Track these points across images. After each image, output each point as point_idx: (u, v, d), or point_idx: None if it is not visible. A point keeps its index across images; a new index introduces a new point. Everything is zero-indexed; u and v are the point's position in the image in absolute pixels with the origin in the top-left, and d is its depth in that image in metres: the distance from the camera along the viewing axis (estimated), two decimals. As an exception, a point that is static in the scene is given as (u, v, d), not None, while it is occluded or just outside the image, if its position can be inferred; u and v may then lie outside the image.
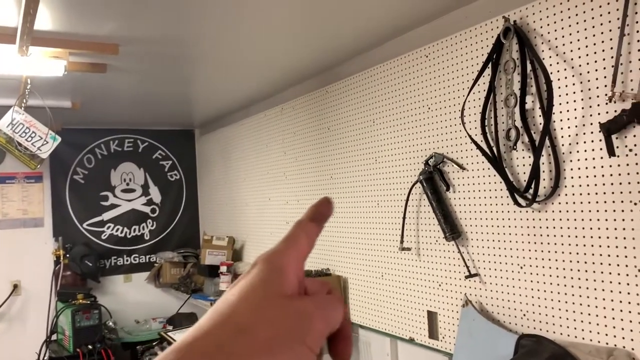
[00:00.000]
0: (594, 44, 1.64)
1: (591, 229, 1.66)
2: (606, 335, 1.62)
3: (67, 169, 4.58)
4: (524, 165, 1.86)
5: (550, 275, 1.79)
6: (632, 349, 1.54)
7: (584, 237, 1.68)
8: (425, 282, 2.34)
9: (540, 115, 1.78)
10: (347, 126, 2.84)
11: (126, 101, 3.79)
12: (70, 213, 4.58)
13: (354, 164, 2.80)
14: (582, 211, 1.69)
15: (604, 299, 1.63)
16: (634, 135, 1.53)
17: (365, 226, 2.73)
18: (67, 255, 4.38)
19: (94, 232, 4.67)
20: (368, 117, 2.68)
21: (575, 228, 1.71)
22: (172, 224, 5.02)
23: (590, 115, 1.65)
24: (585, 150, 1.67)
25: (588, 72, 1.66)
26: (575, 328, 1.71)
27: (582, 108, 1.67)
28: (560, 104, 1.74)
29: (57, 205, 4.54)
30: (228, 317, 0.35)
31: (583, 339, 1.68)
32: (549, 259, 1.79)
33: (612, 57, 1.57)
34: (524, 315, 1.88)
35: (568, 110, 1.72)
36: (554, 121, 1.76)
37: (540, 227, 1.82)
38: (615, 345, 1.59)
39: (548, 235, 1.80)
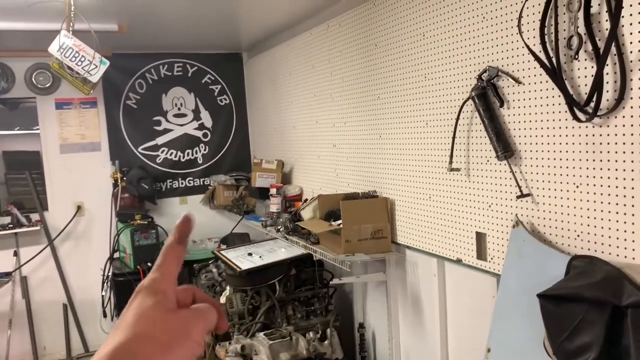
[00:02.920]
0: None
1: (658, 144, 1.52)
2: (667, 256, 1.52)
3: (119, 94, 4.66)
4: (585, 76, 1.71)
5: (609, 195, 1.68)
6: (695, 271, 1.45)
7: (649, 153, 1.55)
8: (474, 202, 2.26)
9: (607, 20, 1.61)
10: (395, 42, 2.70)
11: (172, 23, 3.74)
12: (125, 137, 4.70)
13: (402, 82, 2.69)
14: (648, 125, 1.54)
15: (667, 219, 1.52)
16: None
17: (413, 147, 2.65)
18: (124, 178, 4.55)
19: (149, 156, 4.80)
20: (417, 31, 2.52)
21: (640, 144, 1.57)
22: (223, 147, 5.08)
23: (666, 17, 1.47)
24: (657, 57, 1.51)
25: (666, -34, 1.46)
26: (633, 249, 1.62)
27: (657, 9, 1.49)
28: (631, 5, 1.56)
29: (112, 130, 4.66)
30: (134, 332, 0.47)
31: (641, 260, 1.59)
32: (608, 177, 1.67)
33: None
34: (578, 236, 1.80)
35: (639, 13, 1.54)
36: (622, 25, 1.58)
37: (601, 144, 1.69)
38: (676, 267, 1.49)
39: (609, 152, 1.67)
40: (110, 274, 4.27)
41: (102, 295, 4.34)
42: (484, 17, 2.11)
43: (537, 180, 1.94)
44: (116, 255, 4.49)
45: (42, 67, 4.33)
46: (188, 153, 4.95)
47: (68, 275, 4.61)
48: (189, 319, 0.51)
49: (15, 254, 4.41)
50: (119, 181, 4.55)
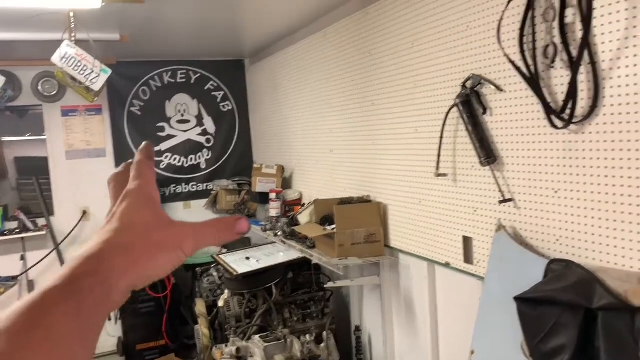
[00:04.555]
0: (643, -55, 1.47)
1: (629, 150, 1.56)
2: (639, 260, 1.55)
3: (124, 101, 4.76)
4: (562, 84, 1.75)
5: (585, 200, 1.72)
6: (665, 275, 1.48)
7: (621, 159, 1.59)
8: (461, 207, 2.31)
9: (580, 30, 1.65)
10: (387, 50, 2.75)
11: (174, 32, 3.82)
12: (130, 143, 4.79)
13: (393, 89, 2.74)
14: (620, 132, 1.58)
15: (638, 224, 1.55)
16: (680, 47, 1.39)
17: (404, 153, 2.70)
18: (129, 184, 4.62)
19: (153, 162, 4.87)
20: (407, 39, 2.58)
21: (613, 150, 1.61)
22: (226, 153, 5.15)
23: (635, 27, 1.51)
24: (627, 66, 1.55)
25: (634, -23, 1.50)
26: (607, 253, 1.65)
27: (626, 19, 1.53)
28: (602, 15, 1.60)
29: (117, 136, 4.76)
30: (125, 229, 0.47)
31: (615, 264, 1.62)
32: (584, 183, 1.71)
33: (660, -41, 1.41)
34: (557, 240, 1.83)
35: (610, 22, 1.58)
36: (595, 35, 1.62)
37: (577, 150, 1.73)
38: (647, 271, 1.53)
39: (584, 158, 1.71)
40: (114, 277, 4.35)
41: (107, 299, 4.42)
42: (467, 26, 2.15)
43: (519, 186, 1.98)
44: (120, 259, 4.56)
45: (48, 76, 4.44)
46: (191, 158, 5.03)
47: (74, 279, 4.69)
48: (185, 231, 0.49)
49: (22, 258, 4.51)
50: (124, 186, 4.62)
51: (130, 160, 0.56)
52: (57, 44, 3.30)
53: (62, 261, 4.64)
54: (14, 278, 3.93)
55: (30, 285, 4.55)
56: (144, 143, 0.57)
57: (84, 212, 4.70)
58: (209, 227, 0.51)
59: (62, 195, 4.65)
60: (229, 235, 0.52)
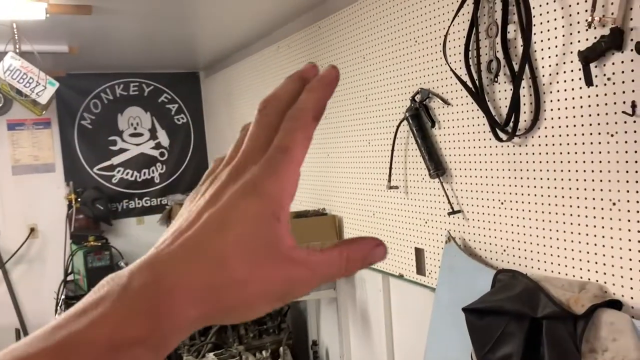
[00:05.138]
0: (577, -35, 1.53)
1: (569, 162, 1.61)
2: (580, 269, 1.60)
3: (74, 114, 4.63)
4: (505, 98, 1.80)
5: (530, 211, 1.76)
6: (605, 282, 1.52)
7: (561, 171, 1.64)
8: (412, 219, 2.33)
9: (522, 45, 1.70)
10: (340, 63, 2.77)
11: (124, 44, 3.75)
12: (80, 158, 4.65)
13: (346, 102, 2.75)
14: (560, 144, 1.63)
15: (579, 234, 1.60)
16: (613, 63, 1.45)
17: (358, 165, 2.71)
18: (79, 200, 4.50)
19: (105, 176, 4.76)
20: (359, 53, 2.60)
21: (554, 162, 1.66)
22: (181, 167, 5.07)
23: (571, 43, 1.57)
24: (565, 81, 1.60)
25: (570, -4, 1.56)
26: (551, 263, 1.69)
27: (563, 36, 1.59)
28: (541, 32, 1.65)
29: (66, 151, 4.62)
30: (234, 260, 0.32)
31: (559, 273, 1.66)
32: (528, 194, 1.76)
33: (593, -21, 1.47)
34: (504, 250, 1.87)
35: (549, 39, 1.63)
36: (535, 50, 1.67)
37: (520, 162, 1.77)
38: (588, 279, 1.57)
39: (527, 170, 1.75)
40: (63, 296, 4.20)
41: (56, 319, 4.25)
42: (415, 41, 2.19)
43: (467, 197, 2.01)
44: (70, 277, 4.41)
45: (-8, 88, 4.28)
46: (145, 172, 4.92)
47: (21, 299, 4.51)
48: (310, 266, 0.34)
49: (-35, 278, 4.31)
50: (74, 202, 4.49)
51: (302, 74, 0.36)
52: (1, 55, 3.18)
53: (7, 281, 4.44)
54: (-46, 300, 3.75)
55: (-26, 307, 4.34)
56: (328, 68, 0.36)
57: (32, 230, 4.52)
58: (340, 259, 0.35)
59: (8, 212, 4.47)
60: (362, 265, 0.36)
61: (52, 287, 4.31)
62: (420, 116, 2.16)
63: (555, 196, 1.66)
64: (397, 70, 2.32)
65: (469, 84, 1.88)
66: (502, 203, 1.86)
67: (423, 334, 2.26)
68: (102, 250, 4.12)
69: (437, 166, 2.08)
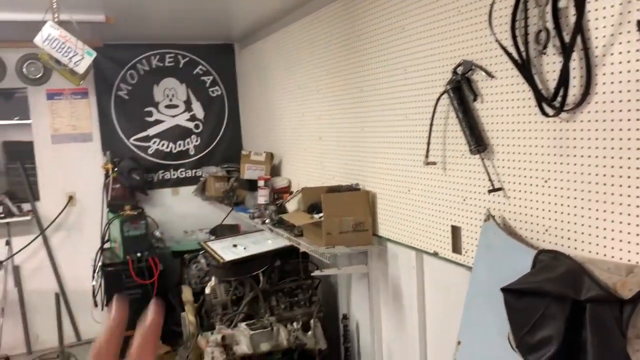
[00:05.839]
0: None
1: (620, 139, 1.52)
2: (629, 252, 1.52)
3: (111, 85, 4.67)
4: (553, 71, 1.71)
5: (575, 190, 1.68)
6: (654, 267, 1.45)
7: (612, 148, 1.55)
8: (450, 196, 2.27)
9: (574, 14, 1.60)
10: (377, 34, 2.70)
11: (162, 14, 3.74)
12: (117, 128, 4.71)
13: (383, 75, 2.68)
14: (612, 120, 1.54)
15: (628, 214, 1.52)
16: (675, 33, 1.35)
17: (393, 140, 2.65)
18: (116, 169, 4.57)
19: (141, 147, 4.81)
20: (397, 24, 2.52)
21: (604, 139, 1.57)
22: (215, 139, 5.09)
23: (629, 12, 1.47)
24: (621, 53, 1.50)
25: (630, -39, 1.45)
26: (597, 244, 1.62)
27: (620, 4, 1.49)
28: (596, 0, 1.55)
29: (103, 121, 4.68)
30: None
31: (605, 255, 1.59)
32: (574, 172, 1.68)
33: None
34: (546, 230, 1.80)
35: (604, 7, 1.53)
36: (589, 20, 1.58)
37: (567, 138, 1.69)
38: (637, 262, 1.50)
39: (575, 147, 1.67)
40: (100, 263, 4.30)
41: (93, 285, 4.37)
42: (459, 10, 2.10)
43: (508, 175, 1.94)
44: (107, 245, 4.52)
45: (32, 58, 4.33)
46: (180, 144, 4.96)
47: (60, 265, 4.65)
48: None
49: (8, 243, 4.45)
50: (110, 172, 4.57)
51: (113, 319, 0.46)
52: (40, 24, 3.21)
53: (47, 247, 4.58)
54: (-1, 263, 3.89)
55: (16, 271, 4.49)
56: (151, 306, 0.44)
57: (70, 198, 4.63)
58: None
59: (48, 180, 4.58)
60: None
61: (90, 254, 4.42)
62: (461, 89, 2.08)
63: (604, 175, 1.58)
64: (438, 42, 2.24)
65: (515, 55, 1.79)
66: (545, 181, 1.79)
67: (456, 312, 2.22)
68: (138, 219, 4.19)
69: (478, 142, 2.01)
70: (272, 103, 4.28)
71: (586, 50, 1.58)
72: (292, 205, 3.31)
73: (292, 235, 3.12)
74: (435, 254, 2.41)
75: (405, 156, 2.56)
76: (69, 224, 4.67)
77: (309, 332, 3.09)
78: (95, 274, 4.36)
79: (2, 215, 4.36)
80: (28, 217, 4.44)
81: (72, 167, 4.62)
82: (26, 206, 4.51)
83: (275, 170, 4.26)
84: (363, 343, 3.31)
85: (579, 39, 1.59)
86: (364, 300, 3.18)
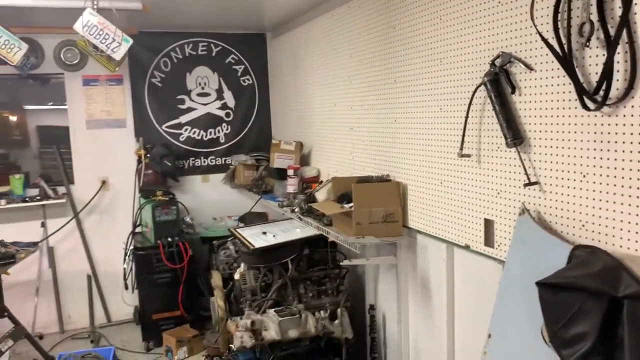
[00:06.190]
0: None
1: (665, 135, 1.50)
2: (669, 249, 1.50)
3: (145, 72, 4.75)
4: (596, 64, 1.68)
5: (615, 185, 1.66)
6: (696, 265, 1.43)
7: (656, 144, 1.53)
8: (484, 189, 2.26)
9: (620, 7, 1.57)
10: (413, 24, 2.68)
11: (195, 2, 3.77)
12: (150, 115, 4.79)
13: (418, 65, 2.67)
14: (656, 115, 1.52)
15: (671, 212, 1.50)
16: None
17: (426, 132, 2.64)
18: (148, 155, 4.65)
19: (173, 134, 4.89)
20: (435, 14, 2.50)
21: (648, 134, 1.55)
22: (245, 128, 5.14)
23: (679, 5, 1.44)
24: (668, 46, 1.47)
25: (682, -48, 1.42)
26: (636, 241, 1.60)
27: (670, -4, 1.46)
28: (644, -8, 1.52)
29: (137, 107, 4.76)
30: None
31: (644, 252, 1.57)
32: (615, 167, 1.65)
33: None
34: (583, 225, 1.78)
35: (653, 0, 1.50)
36: (635, 13, 1.55)
37: (609, 133, 1.67)
38: (677, 260, 1.48)
39: (616, 142, 1.65)
40: (132, 247, 4.40)
41: (124, 268, 4.47)
42: (499, 2, 2.08)
43: (545, 169, 1.92)
44: (138, 229, 4.61)
45: (70, 44, 4.44)
46: (211, 132, 5.02)
47: (92, 247, 4.77)
48: None
49: (43, 225, 4.58)
50: (143, 158, 4.65)
51: None
52: (79, 11, 3.28)
53: (80, 229, 4.70)
54: (34, 244, 3.99)
55: (50, 252, 4.62)
56: None
57: (103, 182, 4.73)
58: None
59: (82, 164, 4.69)
60: None
61: (121, 238, 4.53)
62: (499, 81, 2.06)
63: (646, 171, 1.56)
64: (477, 33, 2.22)
65: (557, 48, 1.77)
66: (584, 176, 1.77)
67: (486, 305, 2.21)
68: (169, 204, 4.26)
69: (515, 135, 1.99)
70: (303, 93, 4.29)
71: (632, 44, 1.55)
72: (321, 194, 3.33)
73: (321, 225, 3.14)
74: (466, 247, 2.40)
75: (439, 148, 2.55)
76: (101, 208, 4.78)
77: (336, 321, 3.12)
78: (127, 257, 4.46)
79: (38, 197, 4.49)
80: (63, 200, 4.55)
81: (105, 152, 4.72)
82: (61, 189, 4.63)
83: (304, 160, 4.28)
84: (389, 334, 3.32)
85: (624, 33, 1.56)
86: (392, 291, 3.18)
